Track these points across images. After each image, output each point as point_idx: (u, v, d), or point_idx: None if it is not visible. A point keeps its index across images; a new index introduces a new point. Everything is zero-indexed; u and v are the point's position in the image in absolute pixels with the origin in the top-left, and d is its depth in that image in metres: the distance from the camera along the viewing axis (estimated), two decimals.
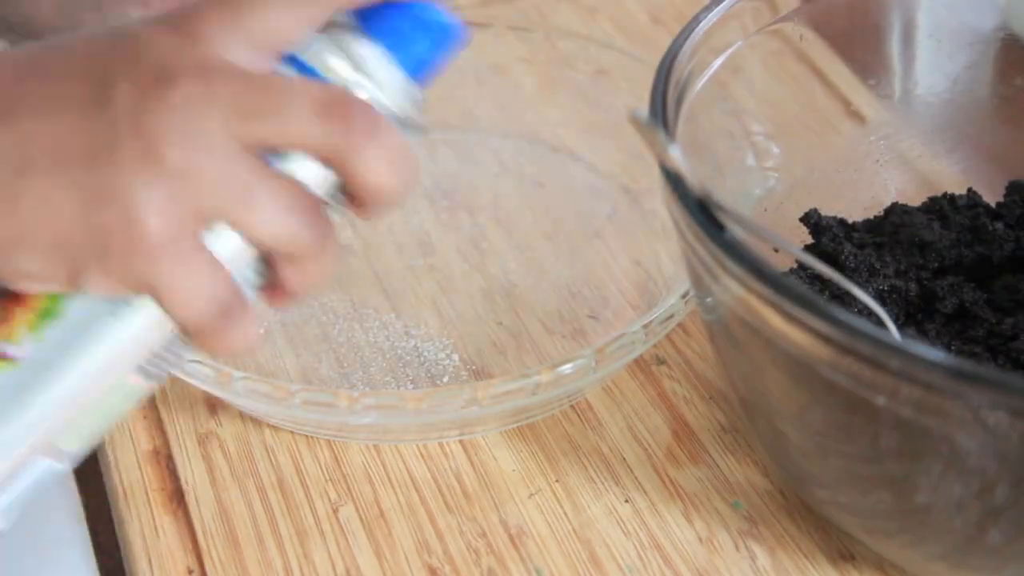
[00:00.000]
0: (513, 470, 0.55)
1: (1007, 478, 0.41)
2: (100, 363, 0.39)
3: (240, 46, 0.38)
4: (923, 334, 0.53)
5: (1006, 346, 0.51)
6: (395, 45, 0.40)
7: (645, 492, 0.54)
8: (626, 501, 0.54)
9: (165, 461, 0.56)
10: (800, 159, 0.59)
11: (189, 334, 0.39)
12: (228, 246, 0.38)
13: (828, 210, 0.57)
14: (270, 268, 0.40)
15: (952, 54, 0.59)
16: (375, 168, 0.39)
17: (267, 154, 0.38)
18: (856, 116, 0.61)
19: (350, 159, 0.39)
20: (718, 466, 0.55)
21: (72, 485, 0.57)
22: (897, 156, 0.61)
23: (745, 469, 0.54)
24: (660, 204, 0.48)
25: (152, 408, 0.58)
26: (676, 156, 0.43)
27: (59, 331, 0.38)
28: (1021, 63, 0.59)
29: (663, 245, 0.63)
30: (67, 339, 0.38)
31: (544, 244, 0.65)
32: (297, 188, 0.39)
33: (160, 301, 0.38)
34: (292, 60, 0.40)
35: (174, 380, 0.58)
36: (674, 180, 0.43)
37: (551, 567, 0.51)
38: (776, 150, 0.57)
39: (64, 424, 0.39)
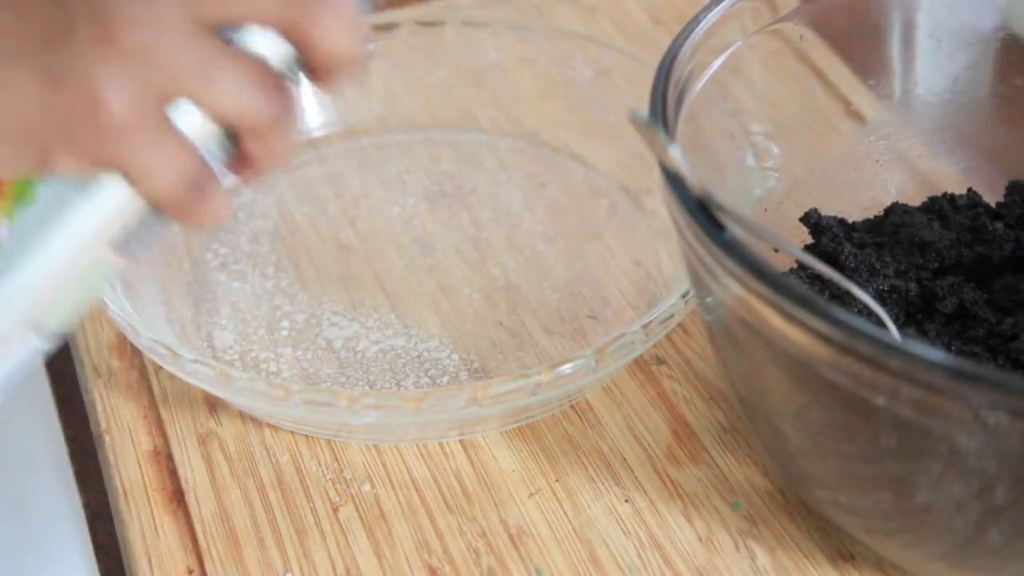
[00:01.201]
0: (513, 470, 0.55)
1: (1007, 478, 0.41)
2: (74, 240, 0.40)
3: None
4: (923, 334, 0.53)
5: (1006, 346, 0.51)
6: None
7: (645, 492, 0.54)
8: (626, 501, 0.54)
9: (165, 461, 0.56)
10: (800, 159, 0.59)
11: (161, 208, 0.41)
12: (193, 122, 0.39)
13: (828, 210, 0.57)
14: (235, 142, 0.41)
15: (952, 54, 0.59)
16: (332, 36, 0.40)
17: (225, 30, 0.39)
18: (856, 116, 0.61)
19: (306, 29, 0.39)
20: (718, 466, 0.55)
21: (72, 484, 0.58)
22: (897, 156, 0.61)
23: (745, 469, 0.54)
24: (660, 204, 0.48)
25: (152, 408, 0.58)
26: (676, 156, 0.43)
27: (33, 213, 0.40)
28: (1021, 63, 0.59)
29: (663, 245, 0.63)
30: (41, 220, 0.40)
31: (544, 244, 0.65)
32: (256, 62, 0.39)
33: (129, 179, 0.39)
34: None
35: (174, 380, 0.58)
36: (674, 180, 0.43)
37: (551, 567, 0.51)
38: (776, 150, 0.57)
39: (46, 302, 0.41)
